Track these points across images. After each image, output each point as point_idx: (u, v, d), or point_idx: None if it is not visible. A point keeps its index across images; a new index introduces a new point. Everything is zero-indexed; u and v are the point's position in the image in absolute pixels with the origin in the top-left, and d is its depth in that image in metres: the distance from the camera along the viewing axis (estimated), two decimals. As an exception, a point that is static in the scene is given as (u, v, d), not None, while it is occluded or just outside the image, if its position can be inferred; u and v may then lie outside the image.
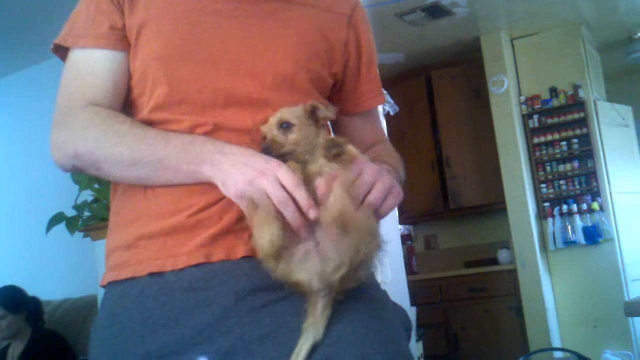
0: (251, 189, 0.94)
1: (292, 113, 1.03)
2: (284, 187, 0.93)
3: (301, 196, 0.93)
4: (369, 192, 0.98)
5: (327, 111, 1.04)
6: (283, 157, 0.99)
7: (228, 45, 1.09)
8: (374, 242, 0.96)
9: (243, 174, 0.96)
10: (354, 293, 0.97)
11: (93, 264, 2.95)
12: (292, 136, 1.01)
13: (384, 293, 1.12)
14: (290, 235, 0.94)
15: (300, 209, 0.94)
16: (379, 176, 1.00)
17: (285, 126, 1.01)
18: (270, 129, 1.02)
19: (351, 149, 1.01)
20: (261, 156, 0.98)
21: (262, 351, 0.95)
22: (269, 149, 1.00)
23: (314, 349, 0.93)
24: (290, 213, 0.93)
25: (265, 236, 0.92)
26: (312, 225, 0.95)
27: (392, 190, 1.01)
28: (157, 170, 1.02)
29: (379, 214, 1.00)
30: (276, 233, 0.91)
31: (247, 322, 0.97)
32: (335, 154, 0.98)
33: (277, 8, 1.15)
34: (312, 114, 1.03)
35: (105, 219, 3.10)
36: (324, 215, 0.93)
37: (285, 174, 0.94)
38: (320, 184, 0.95)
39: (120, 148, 1.03)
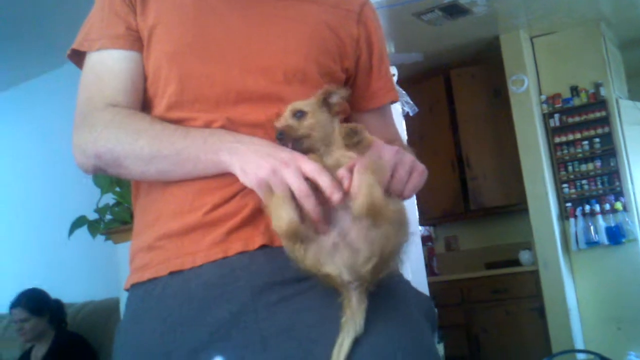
0: (273, 178, 0.94)
1: (304, 103, 1.02)
2: (306, 177, 0.93)
3: (324, 180, 0.92)
4: (392, 174, 0.97)
5: (340, 93, 1.03)
6: (299, 142, 0.99)
7: (238, 42, 1.10)
8: (403, 230, 0.94)
9: (266, 162, 0.95)
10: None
11: (115, 267, 2.96)
12: (306, 122, 1.00)
13: (407, 283, 1.10)
14: (311, 224, 0.93)
15: (323, 197, 0.92)
16: (400, 156, 0.99)
17: (299, 115, 1.01)
18: (285, 119, 1.02)
19: (369, 135, 1.00)
20: (282, 147, 0.98)
21: (278, 346, 0.95)
22: (284, 134, 0.99)
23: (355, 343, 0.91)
24: (311, 204, 0.92)
25: (282, 217, 0.90)
26: (335, 216, 0.94)
27: (415, 169, 1.01)
28: (176, 162, 1.02)
29: (404, 194, 0.99)
30: (292, 212, 0.90)
31: (264, 317, 0.97)
32: (356, 141, 0.96)
33: (286, 5, 1.16)
34: (325, 102, 1.03)
35: (126, 222, 3.13)
36: (355, 206, 0.91)
37: (307, 163, 0.93)
38: (344, 174, 0.93)
39: (140, 143, 1.03)
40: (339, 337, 0.92)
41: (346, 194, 0.93)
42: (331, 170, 0.95)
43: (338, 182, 0.93)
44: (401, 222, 0.94)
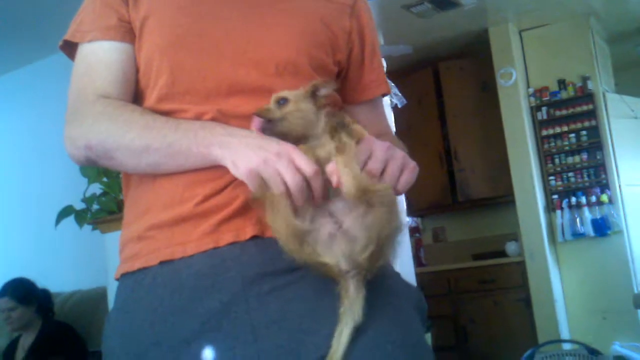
0: (265, 168, 0.94)
1: (290, 92, 1.02)
2: (298, 169, 0.93)
3: (316, 183, 0.93)
4: (384, 169, 0.97)
5: (328, 87, 1.03)
6: (274, 124, 0.98)
7: (231, 35, 1.10)
8: (397, 218, 0.94)
9: (257, 155, 0.95)
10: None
11: (102, 257, 2.96)
12: (286, 109, 0.99)
13: (397, 275, 1.11)
14: (306, 215, 0.93)
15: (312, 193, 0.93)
16: (391, 152, 0.99)
17: (282, 102, 1.00)
18: (268, 105, 1.01)
19: (358, 127, 1.00)
20: (273, 139, 0.97)
21: (269, 337, 0.95)
22: (260, 114, 0.98)
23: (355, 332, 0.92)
24: (302, 197, 0.92)
25: (279, 219, 0.91)
26: (327, 205, 0.94)
27: (406, 165, 1.01)
28: (167, 155, 1.02)
29: (397, 190, 0.99)
30: (290, 216, 0.91)
31: (255, 308, 0.97)
32: (341, 134, 0.96)
33: None
34: (313, 95, 1.02)
35: (113, 212, 3.12)
36: (345, 191, 0.91)
37: (299, 157, 0.94)
38: (333, 168, 0.94)
39: (131, 135, 1.03)
40: (338, 327, 0.92)
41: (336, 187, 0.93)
42: (322, 161, 0.95)
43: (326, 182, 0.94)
44: (392, 203, 0.94)
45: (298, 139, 0.98)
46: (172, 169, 1.05)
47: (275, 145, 0.96)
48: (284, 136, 0.98)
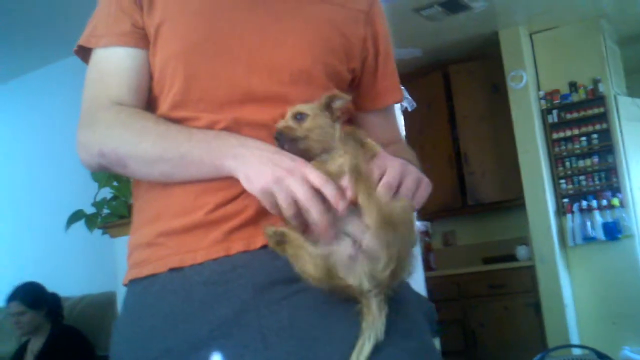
0: (278, 187, 0.93)
1: (307, 106, 1.03)
2: (311, 185, 0.92)
3: (329, 189, 0.92)
4: (399, 185, 0.97)
5: (343, 99, 1.03)
6: (295, 143, 0.99)
7: (246, 41, 1.09)
8: (415, 233, 0.95)
9: (271, 170, 0.94)
10: None
11: (112, 261, 2.96)
12: (306, 124, 1.00)
13: (407, 286, 1.11)
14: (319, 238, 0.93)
15: (327, 205, 0.92)
16: (405, 169, 1.00)
17: (299, 117, 1.01)
18: (285, 121, 1.02)
19: (371, 142, 1.00)
20: (286, 154, 0.97)
21: (279, 344, 0.94)
22: (282, 134, 0.99)
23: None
24: (317, 213, 0.91)
25: (308, 263, 0.91)
26: (344, 225, 0.94)
27: (421, 182, 1.01)
28: (180, 165, 1.02)
29: (412, 206, 0.99)
30: (314, 253, 0.91)
31: (266, 315, 0.96)
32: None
33: (295, 4, 1.15)
34: (328, 107, 1.03)
35: (123, 216, 3.12)
36: (370, 223, 0.91)
37: (312, 172, 0.93)
38: (345, 183, 0.93)
39: (144, 145, 1.03)
40: (360, 340, 0.91)
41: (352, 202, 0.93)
42: (334, 176, 0.95)
43: (342, 191, 0.93)
44: (411, 219, 0.95)
45: (316, 155, 0.99)
46: (185, 179, 1.04)
47: (288, 162, 0.95)
48: (303, 152, 0.98)
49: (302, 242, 0.92)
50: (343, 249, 0.93)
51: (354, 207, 0.93)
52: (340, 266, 0.92)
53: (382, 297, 0.92)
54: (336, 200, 0.92)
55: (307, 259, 0.91)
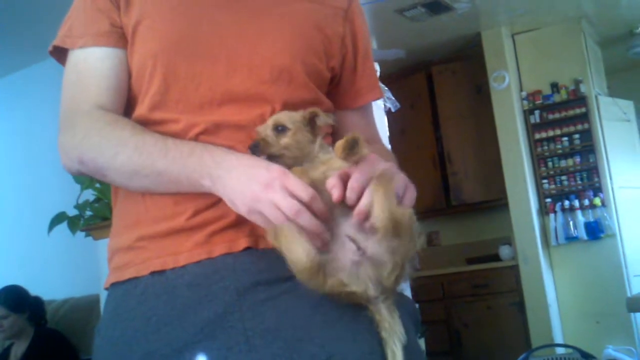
0: (260, 205, 0.93)
1: (289, 117, 1.01)
2: (293, 195, 0.92)
3: (316, 207, 0.92)
4: None
5: (327, 119, 1.03)
6: (270, 159, 0.98)
7: (225, 40, 1.08)
8: (416, 239, 0.95)
9: (249, 190, 0.94)
10: None
11: (95, 263, 2.94)
12: (285, 140, 0.99)
13: None
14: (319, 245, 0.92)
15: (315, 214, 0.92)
16: (394, 171, 1.00)
17: (280, 129, 1.00)
18: (266, 129, 1.01)
19: (365, 147, 1.00)
20: (261, 164, 0.96)
21: (264, 346, 0.94)
22: (257, 147, 0.99)
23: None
24: (306, 220, 0.91)
25: (297, 250, 0.89)
26: (345, 233, 0.94)
27: (408, 187, 1.01)
28: (159, 182, 1.02)
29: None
30: (306, 245, 0.89)
31: (249, 317, 0.96)
32: (355, 152, 0.96)
33: (273, 3, 1.14)
34: (311, 121, 1.02)
35: (106, 218, 3.10)
36: (377, 222, 0.90)
37: (293, 182, 0.93)
38: (334, 183, 0.93)
39: (121, 158, 1.02)
40: (387, 350, 0.92)
41: (351, 206, 0.93)
42: (318, 183, 0.94)
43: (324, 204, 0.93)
44: (414, 226, 0.94)
45: (292, 165, 0.98)
46: (164, 192, 1.04)
47: (264, 173, 0.94)
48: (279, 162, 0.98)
49: (301, 241, 0.90)
50: (345, 255, 0.92)
51: (347, 209, 0.93)
52: (342, 272, 0.91)
53: (390, 302, 0.93)
54: (324, 215, 0.93)
55: (302, 259, 0.90)
